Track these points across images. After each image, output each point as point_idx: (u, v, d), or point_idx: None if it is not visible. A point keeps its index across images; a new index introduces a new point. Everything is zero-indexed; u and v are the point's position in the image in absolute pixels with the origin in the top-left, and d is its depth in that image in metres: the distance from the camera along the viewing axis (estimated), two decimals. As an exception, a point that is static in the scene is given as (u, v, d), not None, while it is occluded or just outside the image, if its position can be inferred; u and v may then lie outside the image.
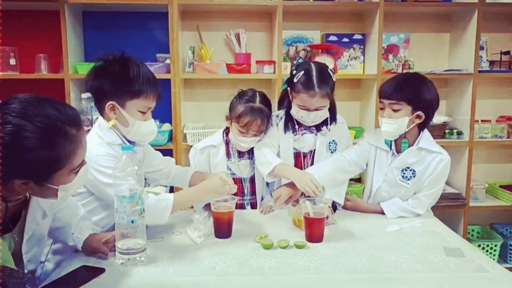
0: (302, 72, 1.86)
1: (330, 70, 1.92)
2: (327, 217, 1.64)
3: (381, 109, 1.85)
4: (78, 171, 1.19)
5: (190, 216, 1.64)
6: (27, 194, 1.21)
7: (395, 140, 1.88)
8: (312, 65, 1.90)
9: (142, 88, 1.56)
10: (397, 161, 1.86)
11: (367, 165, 1.99)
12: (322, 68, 1.89)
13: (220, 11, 2.98)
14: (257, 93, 1.95)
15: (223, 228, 1.61)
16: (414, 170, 1.83)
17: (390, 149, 1.89)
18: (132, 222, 1.36)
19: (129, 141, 1.65)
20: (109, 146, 1.58)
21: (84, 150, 1.21)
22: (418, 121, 1.80)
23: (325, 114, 1.93)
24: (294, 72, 1.90)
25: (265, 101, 1.94)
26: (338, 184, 1.93)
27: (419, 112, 1.78)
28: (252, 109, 1.87)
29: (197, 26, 2.94)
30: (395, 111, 1.78)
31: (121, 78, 1.54)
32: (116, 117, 1.59)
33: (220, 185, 1.61)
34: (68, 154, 1.12)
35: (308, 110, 1.87)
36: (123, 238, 1.37)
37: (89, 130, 1.68)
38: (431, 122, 2.93)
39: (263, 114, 1.89)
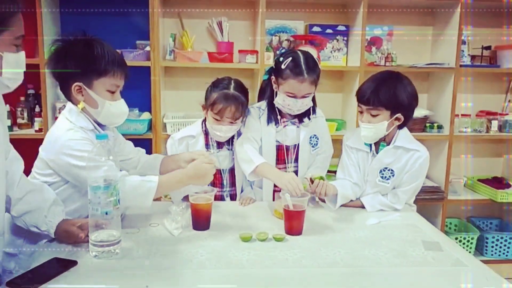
0: (290, 58, 1.84)
1: (316, 58, 1.92)
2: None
3: (360, 112, 1.83)
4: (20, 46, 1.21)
5: (168, 207, 1.60)
6: None
7: (374, 143, 1.87)
8: (299, 52, 1.89)
9: (109, 66, 1.51)
10: (375, 162, 1.85)
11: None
12: (309, 55, 1.90)
13: (203, -2, 2.93)
14: (232, 81, 1.92)
15: (201, 220, 1.57)
16: (392, 170, 1.83)
17: (370, 150, 1.87)
18: (107, 213, 1.31)
19: (99, 125, 1.60)
20: (83, 131, 1.52)
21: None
22: (397, 123, 1.79)
23: (310, 102, 1.91)
24: (281, 59, 1.87)
25: (241, 88, 1.91)
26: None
27: (398, 115, 1.76)
28: (226, 96, 1.85)
29: (178, 13, 2.88)
30: (373, 116, 1.76)
31: (86, 57, 1.49)
32: (84, 99, 1.53)
33: (210, 170, 1.55)
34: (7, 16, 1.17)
35: (295, 97, 1.85)
36: (96, 230, 1.32)
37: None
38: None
39: (238, 101, 1.86)
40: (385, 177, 1.84)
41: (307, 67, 1.82)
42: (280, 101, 1.90)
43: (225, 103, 1.84)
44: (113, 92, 1.56)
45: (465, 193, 3.15)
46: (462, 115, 3.05)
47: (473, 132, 3.06)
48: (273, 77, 1.92)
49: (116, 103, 1.57)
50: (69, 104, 1.59)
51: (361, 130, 1.80)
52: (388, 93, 1.74)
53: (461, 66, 2.91)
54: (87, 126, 1.55)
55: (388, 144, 1.84)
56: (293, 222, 1.55)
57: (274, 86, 1.91)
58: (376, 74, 1.84)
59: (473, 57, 3.13)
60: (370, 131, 1.78)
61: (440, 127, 3.00)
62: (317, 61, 1.91)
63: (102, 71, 1.51)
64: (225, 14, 2.91)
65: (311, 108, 1.96)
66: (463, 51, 3.03)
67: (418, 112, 2.98)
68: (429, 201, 2.95)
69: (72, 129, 1.51)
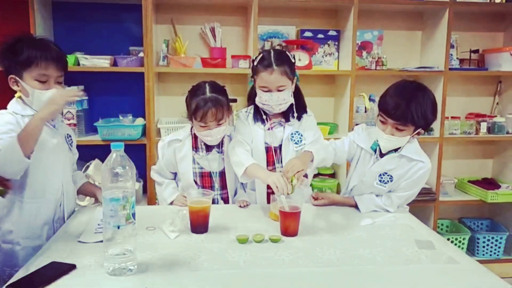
0: (261, 55, 1.92)
1: (289, 53, 1.96)
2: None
3: (382, 122, 1.80)
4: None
5: (166, 211, 1.62)
6: None
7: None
8: (271, 49, 1.96)
9: (31, 57, 1.63)
10: (376, 165, 1.87)
11: (351, 160, 2.02)
12: (280, 50, 1.96)
13: (195, 5, 2.95)
14: (207, 84, 1.92)
15: (199, 223, 1.59)
16: (391, 176, 1.85)
17: (375, 153, 1.90)
18: (118, 228, 1.25)
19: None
20: (10, 114, 1.66)
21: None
22: (417, 136, 1.83)
23: (288, 98, 1.91)
24: (254, 58, 1.94)
25: (217, 89, 1.91)
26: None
27: (419, 130, 1.78)
28: (204, 101, 1.85)
29: (171, 19, 2.90)
30: (399, 130, 1.76)
31: (11, 51, 1.65)
32: (20, 89, 1.68)
33: (64, 93, 1.62)
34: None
35: (270, 91, 1.88)
36: (110, 244, 1.27)
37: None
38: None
39: (217, 102, 1.86)
40: (383, 181, 1.86)
41: (275, 59, 1.86)
42: (258, 99, 1.92)
43: (204, 107, 1.84)
44: (43, 82, 1.66)
45: (456, 195, 3.20)
46: (451, 117, 3.10)
47: (463, 134, 3.11)
48: (252, 78, 1.96)
49: (46, 92, 1.66)
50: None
51: (383, 140, 1.80)
52: (420, 111, 1.71)
53: (450, 69, 2.97)
54: (21, 110, 1.68)
55: (396, 151, 1.86)
56: (289, 223, 1.57)
57: (255, 85, 1.95)
58: (402, 86, 1.80)
59: (461, 61, 3.19)
60: (391, 143, 1.80)
61: (430, 129, 3.04)
62: (289, 55, 1.94)
63: (25, 63, 1.64)
64: (218, 20, 2.94)
65: (297, 106, 1.97)
66: (451, 54, 3.09)
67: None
68: (421, 202, 2.98)
69: (2, 114, 1.67)
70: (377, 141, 1.87)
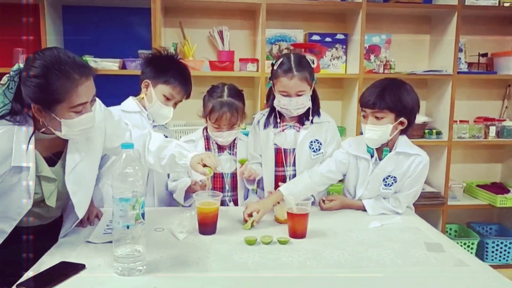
0: (281, 59, 1.93)
1: (309, 58, 1.96)
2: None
3: (364, 117, 1.84)
4: (80, 112, 1.37)
5: (174, 212, 1.62)
6: (45, 123, 1.38)
7: (376, 149, 1.88)
8: (292, 54, 1.97)
9: (172, 79, 1.95)
10: (377, 170, 1.86)
11: (344, 175, 1.98)
12: (300, 55, 1.97)
13: (204, 8, 2.97)
14: (226, 87, 1.97)
15: (207, 225, 1.59)
16: (395, 177, 1.84)
17: (372, 157, 1.88)
18: (128, 227, 1.26)
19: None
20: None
21: (86, 95, 1.36)
22: (400, 127, 1.81)
23: (307, 102, 1.94)
24: (275, 61, 1.96)
25: (235, 93, 1.96)
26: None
27: (401, 119, 1.78)
28: (221, 104, 1.90)
29: (179, 23, 2.92)
30: (378, 119, 1.77)
31: (159, 64, 1.98)
32: (146, 94, 1.99)
33: None
34: (66, 90, 1.31)
35: (289, 96, 1.89)
36: (119, 244, 1.28)
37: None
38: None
39: (232, 107, 1.91)
40: (388, 184, 1.85)
41: (296, 65, 1.88)
42: (277, 102, 1.95)
43: (221, 111, 1.89)
44: (168, 99, 1.96)
45: (465, 199, 3.18)
46: (460, 121, 3.09)
47: (472, 138, 3.10)
48: (271, 81, 1.97)
49: (162, 108, 1.97)
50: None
51: (366, 132, 1.81)
52: (393, 96, 1.76)
53: (458, 73, 2.96)
54: (130, 108, 2.01)
55: (390, 150, 1.86)
56: (297, 225, 1.57)
57: (273, 89, 1.96)
58: (378, 80, 1.86)
59: (470, 64, 3.18)
60: (375, 134, 1.79)
61: (439, 133, 3.03)
62: (310, 61, 1.94)
63: (166, 81, 1.94)
64: (226, 23, 2.95)
65: (312, 110, 1.98)
66: (460, 58, 3.08)
67: (417, 119, 3.00)
68: (429, 206, 2.97)
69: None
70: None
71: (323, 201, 1.93)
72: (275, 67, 1.93)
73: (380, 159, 1.87)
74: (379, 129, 1.78)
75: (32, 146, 1.40)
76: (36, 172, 1.43)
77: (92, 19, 2.90)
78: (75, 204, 1.52)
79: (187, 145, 1.77)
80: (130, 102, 2.01)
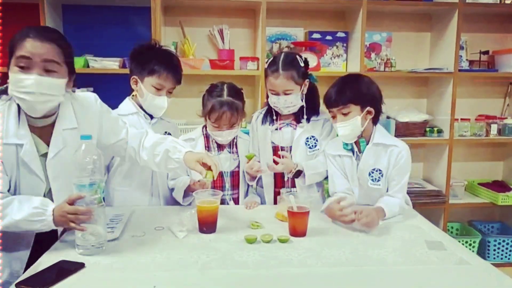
0: (271, 59, 1.96)
1: (300, 57, 1.96)
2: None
3: (333, 117, 1.83)
4: (24, 70, 1.38)
5: (175, 212, 1.62)
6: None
7: (355, 143, 1.86)
8: (284, 53, 1.99)
9: (155, 68, 1.91)
10: (361, 164, 1.84)
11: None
12: (289, 54, 1.99)
13: (204, 7, 2.97)
14: (225, 86, 1.96)
15: (207, 223, 1.59)
16: (380, 170, 1.83)
17: (353, 153, 1.87)
18: None
19: None
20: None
21: (31, 52, 1.38)
22: (370, 116, 1.81)
23: (296, 101, 1.94)
24: (266, 60, 1.99)
25: (234, 92, 1.95)
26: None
27: (368, 108, 1.78)
28: (221, 103, 1.89)
29: (179, 22, 2.92)
30: (345, 114, 1.78)
31: (141, 57, 1.95)
32: (137, 90, 1.97)
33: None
34: (16, 41, 1.40)
35: (278, 94, 1.92)
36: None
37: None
38: (411, 120, 3.00)
39: (232, 106, 1.90)
40: (375, 179, 1.83)
41: (283, 64, 1.89)
42: (269, 99, 1.97)
43: (221, 110, 1.89)
44: (158, 89, 1.91)
45: (466, 197, 3.17)
46: (461, 119, 3.08)
47: (473, 136, 3.09)
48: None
49: (155, 98, 1.94)
50: None
51: (338, 130, 1.81)
52: (353, 89, 1.78)
53: (459, 70, 2.94)
54: (127, 111, 1.99)
55: (368, 141, 1.85)
56: (297, 223, 1.56)
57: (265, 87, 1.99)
58: (337, 79, 1.87)
59: (471, 62, 3.16)
60: (346, 129, 1.78)
61: (440, 131, 3.02)
62: (299, 59, 1.95)
63: (149, 71, 1.91)
64: (226, 22, 2.94)
65: (307, 109, 1.98)
66: (461, 56, 3.07)
67: (418, 117, 3.02)
68: (430, 205, 2.96)
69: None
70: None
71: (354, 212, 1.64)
72: (266, 66, 1.96)
73: (361, 152, 1.86)
74: (349, 123, 1.78)
75: (24, 125, 1.45)
76: (38, 153, 1.47)
77: (92, 18, 2.89)
78: (54, 192, 1.51)
79: (185, 143, 1.77)
80: (126, 104, 2.00)
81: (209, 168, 1.59)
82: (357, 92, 1.78)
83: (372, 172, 1.84)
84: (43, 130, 1.51)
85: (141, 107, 1.98)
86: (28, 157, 1.45)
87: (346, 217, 1.62)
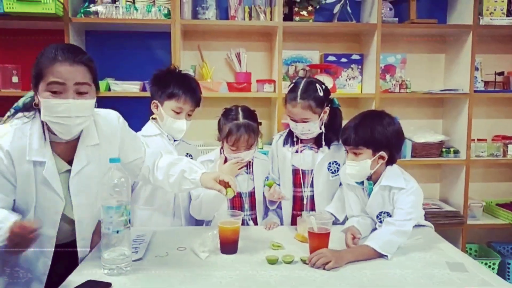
0: (292, 85, 1.99)
1: (321, 85, 1.97)
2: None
3: (346, 151, 1.80)
4: (57, 95, 1.40)
5: (197, 232, 1.65)
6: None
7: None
8: (305, 79, 2.00)
9: (174, 92, 1.99)
10: (368, 206, 1.80)
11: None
12: (310, 82, 1.99)
13: (221, 31, 3.04)
14: (240, 109, 1.99)
15: (229, 244, 1.61)
16: (388, 213, 1.76)
17: (363, 188, 1.83)
18: (118, 232, 1.39)
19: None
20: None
21: (63, 77, 1.39)
22: (382, 161, 1.75)
23: (314, 128, 1.97)
24: (288, 85, 2.02)
25: (249, 114, 1.99)
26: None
27: (381, 153, 1.73)
28: (237, 126, 1.92)
29: (198, 46, 2.99)
30: (356, 154, 1.74)
31: (160, 82, 2.05)
32: (157, 114, 2.06)
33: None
34: (45, 65, 1.40)
35: (296, 121, 1.96)
36: (108, 248, 1.40)
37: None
38: (427, 141, 2.99)
39: (249, 128, 1.93)
40: (382, 220, 1.77)
41: (301, 93, 1.92)
42: (289, 123, 2.01)
43: (237, 133, 1.92)
44: (177, 113, 2.01)
45: (484, 218, 3.14)
46: (478, 139, 3.08)
47: (490, 156, 3.08)
48: None
49: (176, 121, 2.03)
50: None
51: (346, 168, 1.78)
52: (366, 132, 1.72)
53: (475, 91, 2.96)
54: (150, 132, 2.11)
55: (375, 182, 1.79)
56: (318, 244, 1.57)
57: None
58: (358, 114, 1.83)
59: (486, 83, 3.18)
60: (353, 169, 1.75)
61: (456, 151, 3.02)
62: (319, 87, 1.95)
63: (168, 95, 2.01)
64: (242, 45, 3.01)
65: (327, 136, 2.00)
66: (476, 77, 3.08)
67: (434, 137, 3.02)
68: (448, 225, 2.94)
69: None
70: None
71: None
72: (287, 91, 2.00)
73: (369, 195, 1.81)
74: (358, 164, 1.74)
75: (47, 143, 1.48)
76: (58, 171, 1.50)
77: (113, 43, 2.99)
78: (75, 207, 1.54)
79: (200, 165, 1.79)
80: (150, 126, 2.09)
81: (227, 185, 1.62)
82: (371, 135, 1.71)
83: (380, 215, 1.78)
84: (65, 146, 1.53)
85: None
86: (50, 175, 1.47)
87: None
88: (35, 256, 1.52)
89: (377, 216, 1.80)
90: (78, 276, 1.41)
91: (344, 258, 1.52)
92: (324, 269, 1.46)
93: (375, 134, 1.72)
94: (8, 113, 1.55)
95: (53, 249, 1.54)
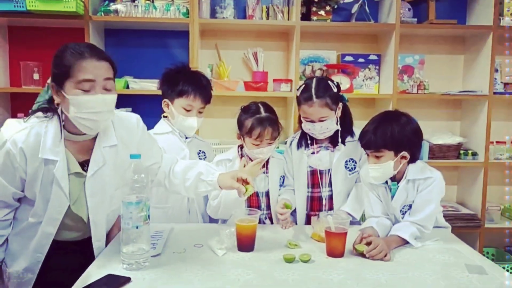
0: (303, 85, 1.96)
1: (332, 82, 1.97)
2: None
3: (367, 155, 1.80)
4: (87, 92, 1.41)
5: (214, 229, 1.66)
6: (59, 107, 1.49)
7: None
8: (314, 79, 1.98)
9: (184, 90, 1.99)
10: (393, 202, 1.80)
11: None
12: (321, 79, 1.98)
13: (239, 31, 3.06)
14: (260, 104, 2.00)
15: (246, 242, 1.62)
16: (411, 205, 1.78)
17: (387, 186, 1.83)
18: (137, 227, 1.41)
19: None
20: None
21: (93, 73, 1.40)
22: (404, 161, 1.76)
23: (332, 125, 1.95)
24: (298, 87, 2.00)
25: (269, 109, 2.00)
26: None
27: (402, 153, 1.73)
28: (261, 120, 1.92)
29: (215, 45, 3.01)
30: (378, 158, 1.74)
31: (170, 80, 2.06)
32: (169, 112, 2.09)
33: None
34: (72, 63, 1.40)
35: (313, 122, 1.93)
36: (127, 243, 1.42)
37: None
38: (445, 142, 2.96)
39: (272, 121, 1.94)
40: (404, 212, 1.80)
41: (316, 91, 1.90)
42: (303, 126, 1.98)
43: (262, 126, 1.91)
44: (188, 110, 2.01)
45: (502, 221, 3.10)
46: (497, 142, 3.04)
47: (509, 159, 3.04)
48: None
49: (186, 119, 2.04)
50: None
51: (369, 171, 1.77)
52: (385, 134, 1.72)
53: (494, 93, 2.92)
54: (161, 130, 2.12)
55: (398, 181, 1.80)
56: (335, 244, 1.58)
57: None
58: (374, 116, 1.82)
59: (505, 85, 3.13)
60: (377, 172, 1.75)
61: (474, 154, 2.99)
62: (331, 84, 1.94)
63: (178, 93, 2.02)
64: (260, 45, 3.03)
65: (342, 131, 1.99)
66: (495, 78, 3.05)
67: (452, 139, 2.99)
68: (465, 229, 2.91)
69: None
70: None
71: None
72: (298, 94, 1.97)
73: (392, 195, 1.81)
74: (381, 166, 1.74)
75: (61, 143, 1.48)
76: (68, 171, 1.49)
77: (132, 42, 3.02)
78: (90, 208, 1.54)
79: (216, 167, 1.81)
80: (162, 124, 2.12)
81: (245, 183, 1.63)
82: (391, 137, 1.71)
83: (403, 208, 1.79)
84: (79, 146, 1.54)
85: None
86: (60, 173, 1.47)
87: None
88: (32, 249, 1.54)
89: (401, 210, 1.80)
90: (96, 268, 1.43)
91: (390, 247, 1.61)
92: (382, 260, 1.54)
93: (395, 134, 1.72)
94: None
95: (48, 246, 1.55)
